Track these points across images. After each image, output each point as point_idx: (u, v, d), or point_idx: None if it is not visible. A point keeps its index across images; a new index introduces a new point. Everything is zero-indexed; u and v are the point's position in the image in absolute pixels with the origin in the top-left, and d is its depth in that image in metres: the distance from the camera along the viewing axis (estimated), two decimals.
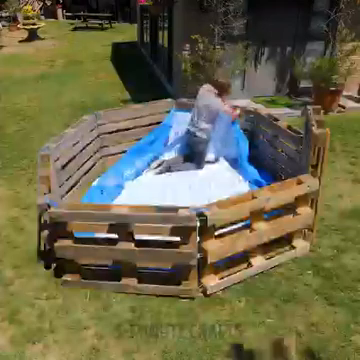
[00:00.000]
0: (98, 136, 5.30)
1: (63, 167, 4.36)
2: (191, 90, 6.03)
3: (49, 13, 21.12)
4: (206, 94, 5.19)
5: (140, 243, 3.34)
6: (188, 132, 5.33)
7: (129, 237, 3.29)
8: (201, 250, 3.29)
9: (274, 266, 3.72)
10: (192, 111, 5.31)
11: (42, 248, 3.81)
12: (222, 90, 5.12)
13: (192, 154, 5.44)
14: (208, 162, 5.46)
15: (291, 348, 2.96)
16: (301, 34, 7.98)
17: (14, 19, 18.54)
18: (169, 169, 5.39)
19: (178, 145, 5.63)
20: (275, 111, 5.92)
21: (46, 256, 3.73)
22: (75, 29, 18.50)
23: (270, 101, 8.11)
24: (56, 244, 3.42)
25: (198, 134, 5.19)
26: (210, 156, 5.51)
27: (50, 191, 3.67)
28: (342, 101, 7.88)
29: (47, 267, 3.75)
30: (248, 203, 3.46)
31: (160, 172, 5.40)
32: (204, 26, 6.96)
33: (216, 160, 5.55)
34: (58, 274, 3.63)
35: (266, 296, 3.43)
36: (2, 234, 4.29)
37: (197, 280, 3.41)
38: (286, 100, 8.23)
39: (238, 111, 5.20)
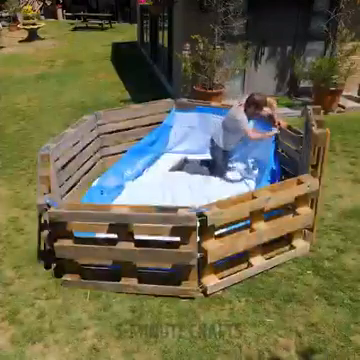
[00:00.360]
0: (98, 136, 5.31)
1: (63, 167, 4.37)
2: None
3: (49, 13, 21.11)
4: (236, 111, 4.92)
5: (140, 243, 3.34)
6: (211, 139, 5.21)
7: (129, 237, 3.29)
8: (201, 250, 3.30)
9: (274, 266, 3.72)
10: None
11: (42, 248, 3.81)
12: (257, 107, 4.80)
13: (212, 162, 5.32)
14: (232, 181, 5.18)
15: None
16: (301, 34, 7.97)
17: (14, 19, 18.52)
18: (186, 161, 5.45)
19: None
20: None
21: (46, 256, 3.73)
22: (75, 29, 18.49)
23: None
24: (56, 244, 3.42)
25: (214, 140, 5.13)
26: (235, 175, 5.30)
27: (50, 191, 3.67)
28: (342, 101, 7.88)
29: (47, 267, 3.75)
30: (248, 203, 3.46)
31: (176, 167, 5.42)
32: (204, 26, 6.97)
33: (242, 180, 5.20)
34: (58, 274, 3.63)
35: (266, 296, 3.43)
36: (2, 234, 4.29)
37: (197, 280, 3.40)
38: (286, 100, 8.23)
39: (272, 132, 4.79)
